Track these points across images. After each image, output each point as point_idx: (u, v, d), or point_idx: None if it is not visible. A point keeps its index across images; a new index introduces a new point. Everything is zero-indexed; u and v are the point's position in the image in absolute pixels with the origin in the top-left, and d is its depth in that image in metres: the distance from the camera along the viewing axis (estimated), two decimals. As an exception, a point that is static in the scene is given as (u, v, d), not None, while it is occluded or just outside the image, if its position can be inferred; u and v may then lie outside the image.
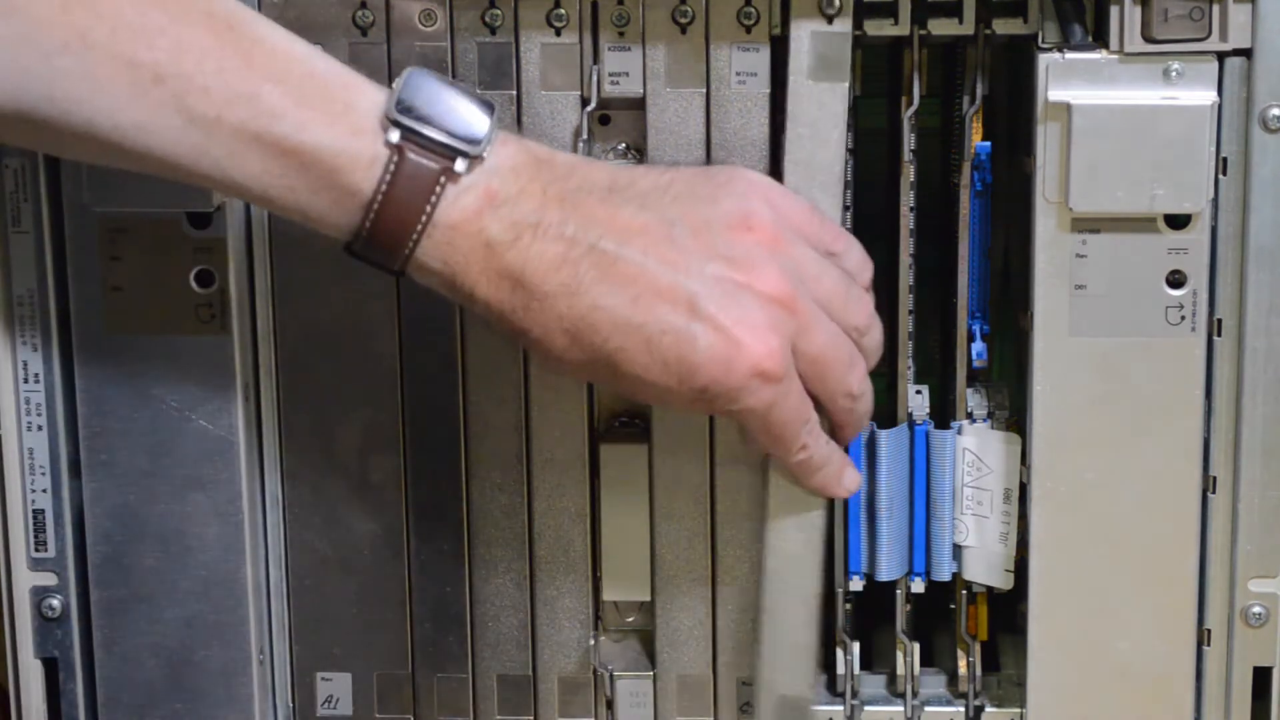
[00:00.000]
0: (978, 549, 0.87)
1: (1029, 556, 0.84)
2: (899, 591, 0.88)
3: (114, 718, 0.86)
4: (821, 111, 0.80)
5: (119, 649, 0.86)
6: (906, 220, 0.85)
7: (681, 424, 0.85)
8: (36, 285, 0.83)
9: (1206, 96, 0.79)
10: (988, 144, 0.85)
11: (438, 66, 0.82)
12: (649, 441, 0.85)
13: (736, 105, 0.82)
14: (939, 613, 0.90)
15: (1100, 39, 0.80)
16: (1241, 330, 0.81)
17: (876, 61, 0.87)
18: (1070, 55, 0.79)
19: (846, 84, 0.80)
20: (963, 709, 0.88)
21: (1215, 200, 0.80)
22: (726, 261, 0.74)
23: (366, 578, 0.87)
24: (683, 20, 0.81)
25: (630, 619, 0.89)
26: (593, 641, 0.88)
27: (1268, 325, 0.81)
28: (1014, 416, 0.86)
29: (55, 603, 0.85)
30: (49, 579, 0.85)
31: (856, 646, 0.88)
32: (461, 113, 0.72)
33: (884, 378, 0.85)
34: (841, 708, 0.88)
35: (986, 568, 0.87)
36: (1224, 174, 0.80)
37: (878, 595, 0.88)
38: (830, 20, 0.80)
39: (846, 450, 0.82)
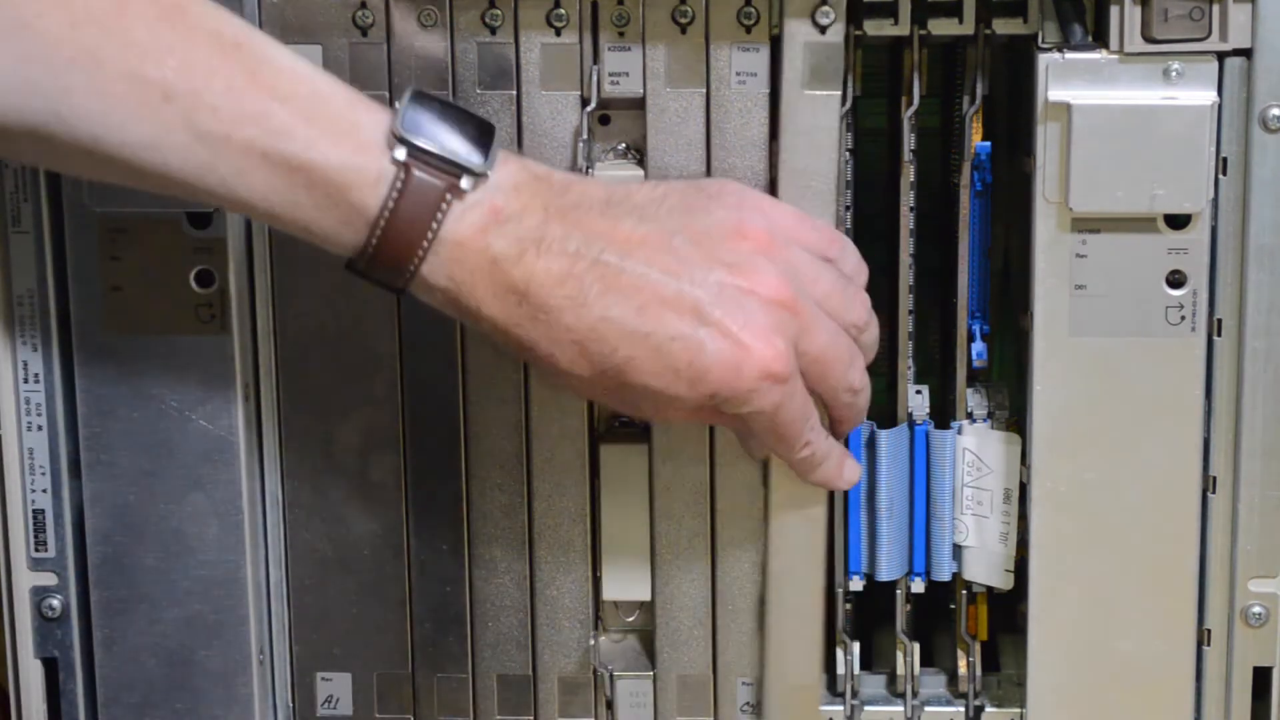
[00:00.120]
0: (978, 549, 0.87)
1: (1029, 556, 0.84)
2: (899, 591, 0.88)
3: (114, 718, 0.86)
4: (815, 120, 0.81)
5: (119, 649, 0.86)
6: (906, 220, 0.85)
7: (681, 424, 0.85)
8: (36, 285, 0.83)
9: (1206, 96, 0.79)
10: (988, 144, 0.85)
11: (438, 66, 0.82)
12: (649, 442, 0.85)
13: (736, 105, 0.82)
14: (939, 613, 0.90)
15: (1100, 39, 0.80)
16: (1241, 330, 0.81)
17: (876, 61, 0.87)
18: (1070, 55, 0.79)
19: (839, 93, 0.80)
20: (963, 709, 0.88)
21: (1215, 200, 0.80)
22: (727, 268, 0.75)
23: (366, 578, 0.87)
24: (683, 20, 0.81)
25: (630, 619, 0.89)
26: (593, 641, 0.88)
27: (1268, 325, 0.81)
28: (1014, 416, 0.86)
29: (55, 603, 0.85)
30: (49, 579, 0.85)
31: (856, 646, 0.88)
32: (465, 131, 0.74)
33: (884, 378, 0.85)
34: (841, 708, 0.88)
35: (986, 568, 0.87)
36: (1224, 174, 0.80)
37: (878, 595, 0.88)
38: (823, 30, 0.80)
39: (845, 444, 0.82)
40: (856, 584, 0.87)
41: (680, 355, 0.74)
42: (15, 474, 0.84)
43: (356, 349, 0.85)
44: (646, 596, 0.87)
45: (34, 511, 0.85)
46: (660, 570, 0.87)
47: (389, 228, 0.73)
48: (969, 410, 0.86)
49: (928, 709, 0.89)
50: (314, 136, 0.72)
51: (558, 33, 0.82)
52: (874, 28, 0.82)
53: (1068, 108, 0.79)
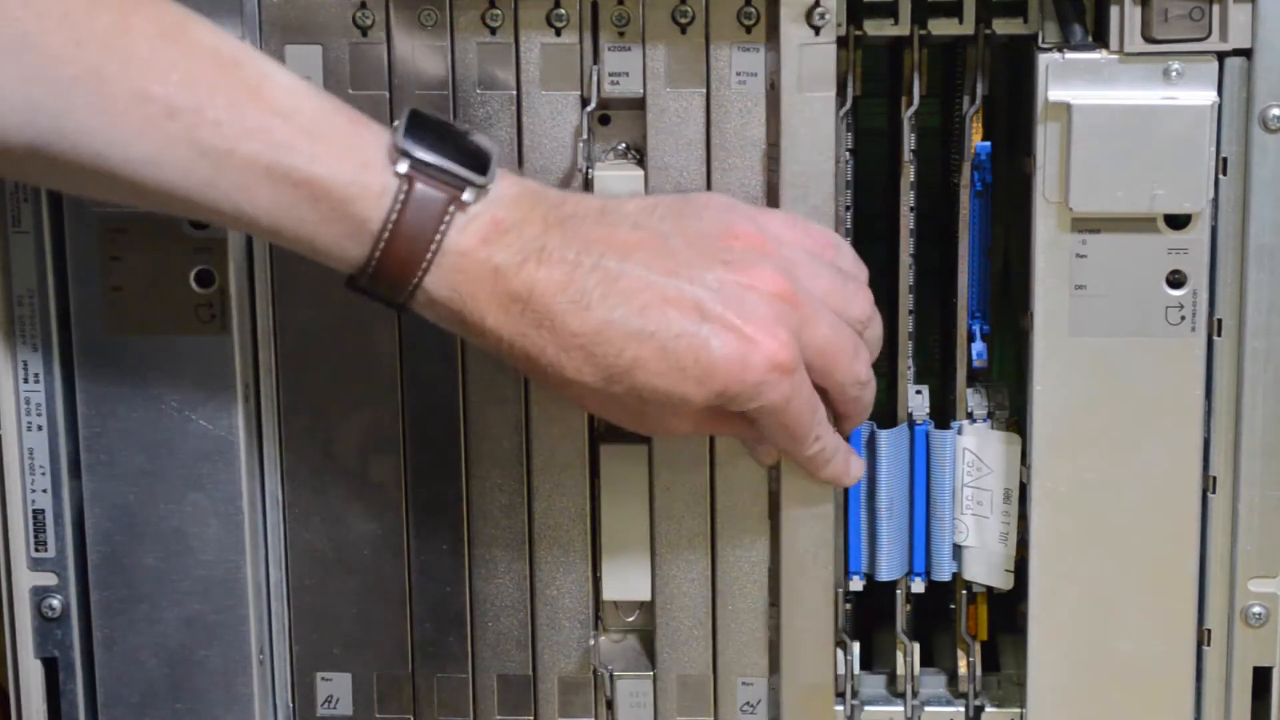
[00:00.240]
0: (978, 549, 0.87)
1: (1029, 556, 0.84)
2: (899, 591, 0.88)
3: (114, 718, 0.86)
4: (812, 123, 0.81)
5: (119, 649, 0.86)
6: (906, 220, 0.85)
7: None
8: (36, 285, 0.83)
9: (1206, 96, 0.79)
10: (988, 144, 0.85)
11: (438, 66, 0.82)
12: (649, 441, 0.85)
13: (736, 105, 0.82)
14: (939, 613, 0.90)
15: (1100, 39, 0.80)
16: (1241, 330, 0.81)
17: (876, 61, 0.87)
18: (1070, 55, 0.79)
19: (835, 95, 0.80)
20: (963, 709, 0.88)
21: (1215, 200, 0.80)
22: (725, 265, 0.75)
23: (366, 578, 0.87)
24: (683, 20, 0.81)
25: (630, 619, 0.89)
26: (593, 641, 0.88)
27: (1268, 325, 0.81)
28: (1014, 416, 0.86)
29: (55, 603, 0.85)
30: (49, 579, 0.85)
31: (856, 646, 0.88)
32: (465, 146, 0.75)
33: (884, 378, 0.85)
34: (842, 708, 0.88)
35: (986, 568, 0.87)
36: (1224, 174, 0.80)
37: (878, 595, 0.88)
38: (818, 32, 0.80)
39: (848, 441, 0.83)
40: (856, 584, 0.87)
41: (686, 353, 0.74)
42: (15, 474, 0.84)
43: (356, 349, 0.85)
44: (646, 596, 0.87)
45: (34, 511, 0.85)
46: (660, 570, 0.87)
47: (392, 240, 0.73)
48: (969, 410, 0.86)
49: (928, 709, 0.89)
50: (317, 151, 0.72)
51: (558, 33, 0.82)
52: (874, 28, 0.82)
53: (1068, 108, 0.79)
